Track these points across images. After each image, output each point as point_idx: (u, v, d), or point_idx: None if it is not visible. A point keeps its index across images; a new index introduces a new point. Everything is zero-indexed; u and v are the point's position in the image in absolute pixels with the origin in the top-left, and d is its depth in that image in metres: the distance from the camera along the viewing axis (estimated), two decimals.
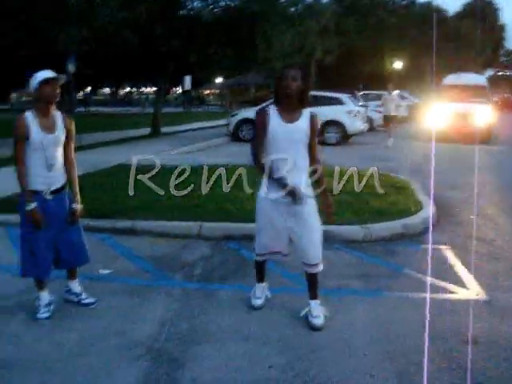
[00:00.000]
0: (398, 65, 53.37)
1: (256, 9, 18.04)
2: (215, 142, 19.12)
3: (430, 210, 7.70)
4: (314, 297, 4.42)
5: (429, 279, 5.33)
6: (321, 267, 4.37)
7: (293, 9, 21.61)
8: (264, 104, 19.87)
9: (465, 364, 3.72)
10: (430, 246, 6.54)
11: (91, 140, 17.24)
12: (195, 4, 20.05)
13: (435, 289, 5.08)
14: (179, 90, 62.12)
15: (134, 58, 20.34)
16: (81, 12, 14.59)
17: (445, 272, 5.54)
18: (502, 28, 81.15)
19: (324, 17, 20.72)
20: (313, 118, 4.21)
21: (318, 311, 4.35)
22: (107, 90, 78.07)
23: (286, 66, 4.33)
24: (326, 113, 18.71)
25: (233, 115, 21.00)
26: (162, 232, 6.77)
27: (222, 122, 25.34)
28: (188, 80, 29.29)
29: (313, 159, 4.31)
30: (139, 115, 36.41)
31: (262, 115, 4.20)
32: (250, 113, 20.45)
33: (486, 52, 72.10)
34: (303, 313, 4.40)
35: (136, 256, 5.99)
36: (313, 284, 4.43)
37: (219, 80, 52.66)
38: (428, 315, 4.50)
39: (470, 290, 5.13)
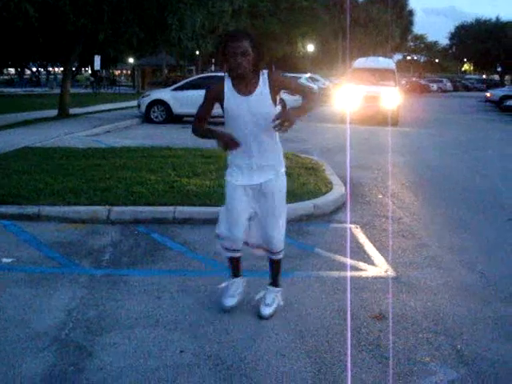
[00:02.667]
0: (310, 48, 54.11)
1: None
2: (126, 124, 18.70)
3: (339, 191, 7.85)
4: (274, 284, 4.25)
5: (339, 258, 5.43)
6: (283, 253, 4.18)
7: None
8: (181, 83, 19.64)
9: (374, 340, 3.81)
10: (340, 226, 6.66)
11: None
12: None
13: (345, 267, 5.18)
14: (89, 70, 60.34)
15: (38, 35, 19.44)
16: None
17: (354, 250, 5.66)
18: (410, 13, 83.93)
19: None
20: (270, 76, 3.74)
21: (271, 299, 4.18)
22: (13, 71, 74.76)
23: (229, 34, 3.78)
24: None
25: (144, 96, 20.60)
26: (69, 217, 6.51)
27: (133, 103, 24.80)
28: (97, 60, 28.37)
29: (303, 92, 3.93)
30: (47, 96, 35.08)
31: (215, 88, 3.82)
32: (161, 93, 20.17)
33: (395, 37, 74.43)
34: (258, 297, 4.25)
35: (41, 243, 5.73)
36: (277, 270, 4.24)
37: (131, 60, 51.50)
38: (338, 293, 4.58)
39: (379, 267, 5.26)
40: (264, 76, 3.74)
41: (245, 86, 3.73)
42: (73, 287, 4.61)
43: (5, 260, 5.23)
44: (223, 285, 4.30)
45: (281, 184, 4.01)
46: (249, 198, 3.93)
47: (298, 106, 3.93)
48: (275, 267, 4.24)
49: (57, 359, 3.49)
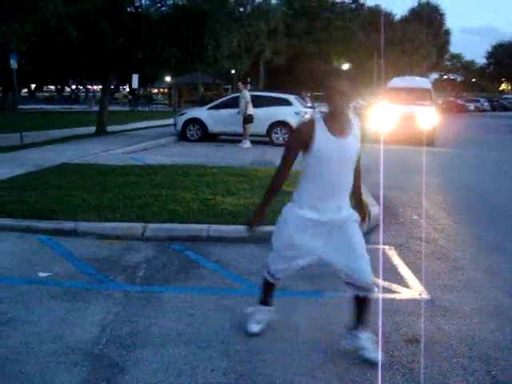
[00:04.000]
0: (345, 67, 54.08)
1: (204, 8, 17.94)
2: (162, 142, 18.92)
3: (373, 211, 7.79)
4: (364, 326, 3.90)
5: (372, 279, 5.37)
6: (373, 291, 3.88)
7: (242, 9, 21.60)
8: (216, 102, 19.84)
9: (407, 363, 3.76)
10: (373, 247, 6.61)
11: (35, 138, 16.83)
12: (143, 1, 19.84)
13: (378, 289, 5.12)
14: (127, 88, 61.40)
15: (78, 54, 19.91)
16: (22, 5, 14.15)
17: (388, 272, 5.60)
18: (446, 33, 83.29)
19: (273, 18, 20.73)
20: (359, 122, 3.65)
21: (369, 343, 3.84)
22: (53, 88, 76.52)
23: (338, 71, 3.75)
24: (273, 113, 18.80)
25: (181, 114, 20.84)
26: (105, 233, 6.61)
27: (169, 121, 25.10)
28: (135, 78, 28.92)
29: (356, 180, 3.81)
30: (85, 113, 35.77)
31: (305, 126, 3.59)
32: (197, 112, 20.37)
33: (431, 56, 73.90)
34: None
35: (77, 258, 5.83)
36: (366, 311, 3.89)
37: (168, 79, 52.25)
38: (371, 315, 4.54)
39: (413, 289, 5.20)
40: (356, 121, 3.67)
41: (340, 127, 3.59)
42: (107, 303, 4.67)
43: (41, 274, 5.33)
44: (249, 310, 4.25)
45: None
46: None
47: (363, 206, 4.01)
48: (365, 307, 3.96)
49: (90, 374, 3.53)
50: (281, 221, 3.84)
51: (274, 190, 3.84)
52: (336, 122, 3.57)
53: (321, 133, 3.54)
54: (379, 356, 3.72)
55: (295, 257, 3.82)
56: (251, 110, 17.99)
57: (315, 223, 3.70)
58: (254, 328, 4.14)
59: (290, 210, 3.79)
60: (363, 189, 9.43)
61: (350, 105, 3.58)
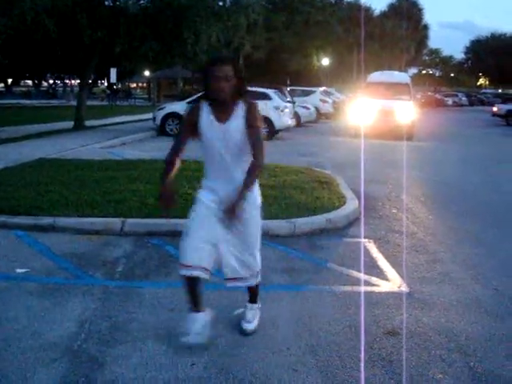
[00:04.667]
0: (324, 61, 54.25)
1: (183, 1, 17.83)
2: (141, 136, 18.82)
3: (353, 205, 7.83)
4: (253, 300, 4.21)
5: (352, 272, 5.41)
6: (259, 277, 4.00)
7: (221, 3, 21.49)
8: (195, 96, 19.68)
9: (387, 356, 3.79)
10: (353, 240, 6.64)
11: (12, 133, 16.63)
12: None
13: (358, 282, 5.16)
14: (105, 83, 60.86)
15: (56, 48, 19.68)
16: None
17: (367, 265, 5.63)
18: (425, 27, 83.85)
19: (253, 12, 20.64)
20: (249, 108, 3.66)
21: (251, 316, 4.16)
22: (30, 82, 75.60)
23: (214, 59, 3.65)
24: None
25: (159, 109, 20.73)
26: (84, 229, 6.55)
27: (148, 115, 24.95)
28: (114, 72, 28.64)
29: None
30: (63, 108, 35.40)
31: (192, 112, 3.76)
32: (176, 106, 20.26)
33: (410, 50, 74.39)
34: (236, 312, 4.29)
35: (55, 254, 5.77)
36: (254, 290, 4.17)
37: (146, 73, 51.91)
38: (350, 308, 4.56)
39: (392, 282, 5.23)
40: (242, 106, 3.66)
41: (222, 112, 3.66)
42: (86, 298, 4.63)
43: (19, 270, 5.27)
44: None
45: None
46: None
47: (246, 178, 3.59)
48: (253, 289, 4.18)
49: (69, 370, 3.50)
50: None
51: (167, 174, 3.82)
52: (217, 108, 3.66)
53: (205, 117, 3.68)
54: (251, 327, 4.06)
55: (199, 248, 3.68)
56: None
57: (212, 204, 3.74)
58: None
59: (199, 193, 3.90)
60: (343, 183, 9.48)
61: (232, 91, 3.58)
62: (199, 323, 3.79)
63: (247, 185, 3.56)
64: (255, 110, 3.68)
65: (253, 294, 4.19)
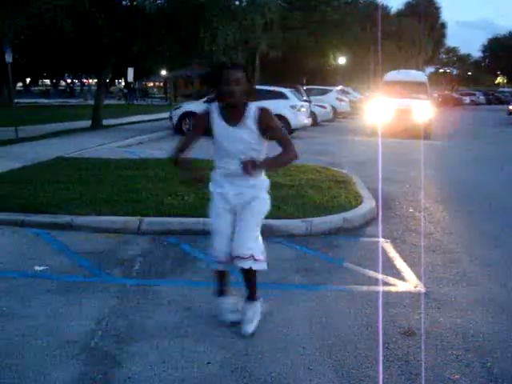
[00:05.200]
0: (341, 60, 54.06)
1: (200, 0, 17.87)
2: (157, 135, 18.90)
3: (369, 204, 7.80)
4: (250, 296, 4.14)
5: (368, 272, 5.39)
6: (260, 265, 3.96)
7: (237, 2, 21.52)
8: (210, 96, 19.71)
9: (403, 356, 3.77)
10: (370, 240, 6.62)
11: (30, 132, 16.78)
12: None
13: (374, 282, 5.14)
14: (122, 82, 61.20)
15: (73, 48, 19.84)
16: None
17: (384, 265, 5.60)
18: (442, 26, 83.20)
19: (269, 11, 20.61)
20: (261, 114, 3.79)
21: (250, 314, 4.10)
22: (48, 81, 76.28)
23: (225, 64, 3.82)
24: (269, 107, 18.73)
25: (176, 108, 20.80)
26: (101, 227, 6.60)
27: (165, 115, 25.07)
28: (131, 72, 28.80)
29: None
30: (81, 107, 35.67)
31: (203, 115, 3.90)
32: (193, 106, 20.31)
33: (427, 49, 73.86)
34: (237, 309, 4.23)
35: (73, 252, 5.82)
36: (248, 281, 4.10)
37: (163, 72, 52.10)
38: (367, 308, 4.55)
39: (409, 282, 5.21)
40: (253, 110, 3.79)
41: (233, 115, 3.80)
42: (103, 296, 4.67)
43: (37, 268, 5.33)
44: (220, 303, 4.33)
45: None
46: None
47: (275, 156, 3.86)
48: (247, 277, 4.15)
49: (86, 367, 3.53)
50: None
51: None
52: (228, 111, 3.81)
53: (217, 120, 3.84)
54: (249, 330, 4.01)
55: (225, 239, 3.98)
56: None
57: (222, 197, 3.98)
58: (230, 317, 4.21)
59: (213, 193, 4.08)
60: (359, 182, 9.45)
61: (244, 96, 3.74)
62: (229, 304, 4.21)
63: (274, 160, 3.84)
64: (268, 114, 3.84)
65: (251, 288, 4.12)
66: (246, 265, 3.90)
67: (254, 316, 4.11)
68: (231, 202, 3.96)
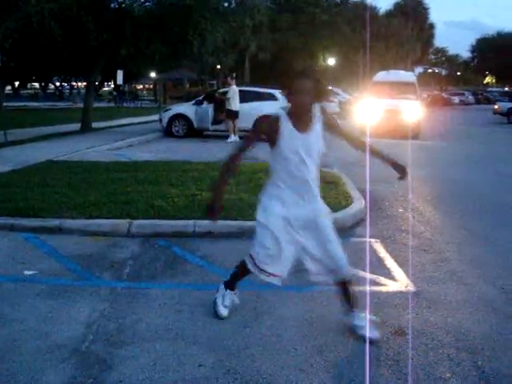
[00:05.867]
0: (330, 61, 54.16)
1: (189, 3, 17.85)
2: (147, 138, 18.86)
3: (360, 204, 7.82)
4: (354, 305, 4.15)
5: (358, 272, 5.39)
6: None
7: (226, 4, 21.55)
8: (201, 97, 19.66)
9: (394, 355, 3.78)
10: (360, 240, 6.63)
11: (19, 135, 16.69)
12: None
13: (365, 282, 5.14)
14: (112, 84, 61.03)
15: (62, 51, 19.76)
16: (4, 2, 14.01)
17: (374, 265, 5.62)
18: (431, 27, 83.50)
19: (258, 13, 20.66)
20: (325, 117, 3.83)
21: (361, 321, 4.07)
22: (37, 85, 75.90)
23: (297, 73, 3.77)
24: (259, 108, 18.67)
25: (166, 110, 20.76)
26: (90, 230, 6.57)
27: (155, 117, 24.99)
28: (120, 74, 28.66)
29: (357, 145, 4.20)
30: (70, 110, 35.52)
31: (272, 123, 3.73)
32: (182, 108, 20.29)
33: (416, 50, 74.12)
34: (347, 321, 4.18)
35: (62, 256, 5.80)
36: (350, 292, 4.13)
37: (153, 75, 51.99)
38: (358, 308, 4.55)
39: (399, 282, 5.22)
40: (318, 112, 3.80)
41: (302, 122, 3.75)
42: (93, 300, 4.65)
43: (26, 272, 5.30)
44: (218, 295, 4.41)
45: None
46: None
47: (379, 150, 4.35)
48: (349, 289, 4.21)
49: (76, 371, 3.52)
50: (260, 213, 3.95)
51: (228, 171, 3.99)
52: (299, 119, 3.74)
53: (286, 128, 3.72)
54: (372, 335, 3.95)
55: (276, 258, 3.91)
56: (237, 105, 17.98)
57: (285, 218, 3.86)
58: (225, 312, 4.30)
59: (267, 202, 3.94)
60: (348, 181, 9.45)
61: (314, 103, 3.75)
62: (229, 298, 4.33)
63: (388, 155, 4.44)
64: (327, 113, 3.89)
65: (352, 298, 4.14)
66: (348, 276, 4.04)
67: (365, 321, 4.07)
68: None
